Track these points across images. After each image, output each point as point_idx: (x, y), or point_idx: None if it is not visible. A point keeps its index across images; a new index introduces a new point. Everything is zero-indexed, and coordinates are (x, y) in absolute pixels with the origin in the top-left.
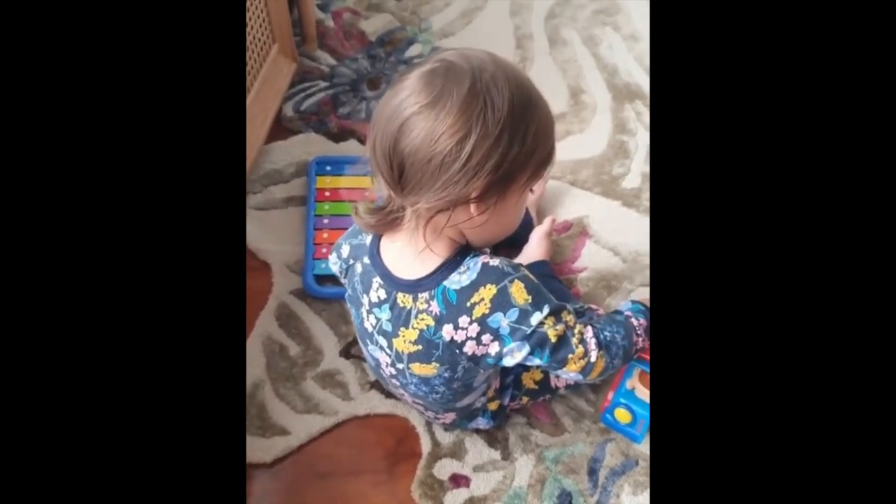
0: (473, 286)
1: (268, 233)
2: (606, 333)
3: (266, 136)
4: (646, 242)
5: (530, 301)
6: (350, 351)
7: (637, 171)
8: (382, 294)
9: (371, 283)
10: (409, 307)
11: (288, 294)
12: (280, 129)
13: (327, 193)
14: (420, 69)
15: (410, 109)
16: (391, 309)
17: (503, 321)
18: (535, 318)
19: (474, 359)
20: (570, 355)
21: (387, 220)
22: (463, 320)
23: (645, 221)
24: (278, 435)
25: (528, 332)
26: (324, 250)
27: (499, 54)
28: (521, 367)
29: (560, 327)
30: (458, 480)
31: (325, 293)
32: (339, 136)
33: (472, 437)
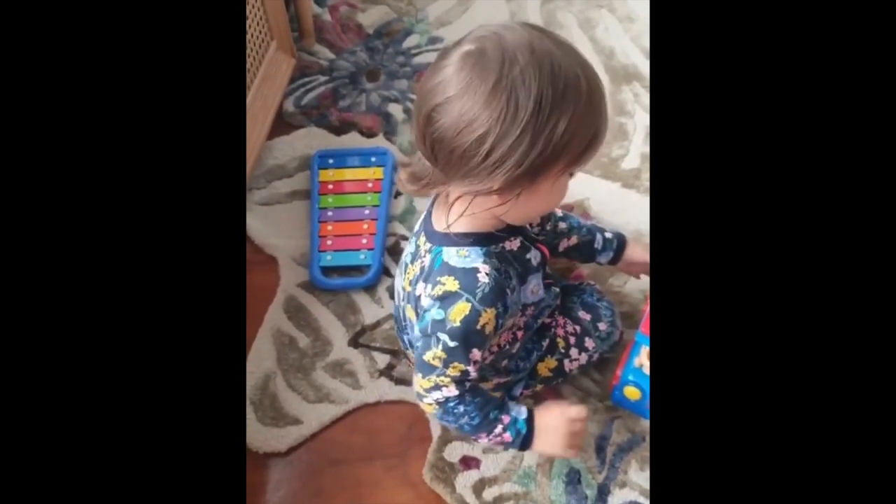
0: (451, 270)
1: (273, 227)
2: (461, 408)
3: (268, 131)
4: (647, 222)
5: (455, 326)
6: (358, 340)
7: (636, 152)
8: (417, 227)
9: (422, 215)
10: (420, 248)
11: (295, 287)
12: (282, 125)
13: (330, 186)
14: (459, 49)
15: (439, 98)
16: (415, 243)
17: (433, 311)
18: (440, 337)
19: None
20: (421, 377)
21: (425, 188)
22: (428, 289)
23: (646, 201)
24: (291, 424)
25: (427, 335)
26: (329, 242)
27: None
28: (538, 359)
29: (436, 362)
30: (469, 462)
31: (332, 285)
32: (340, 129)
33: None
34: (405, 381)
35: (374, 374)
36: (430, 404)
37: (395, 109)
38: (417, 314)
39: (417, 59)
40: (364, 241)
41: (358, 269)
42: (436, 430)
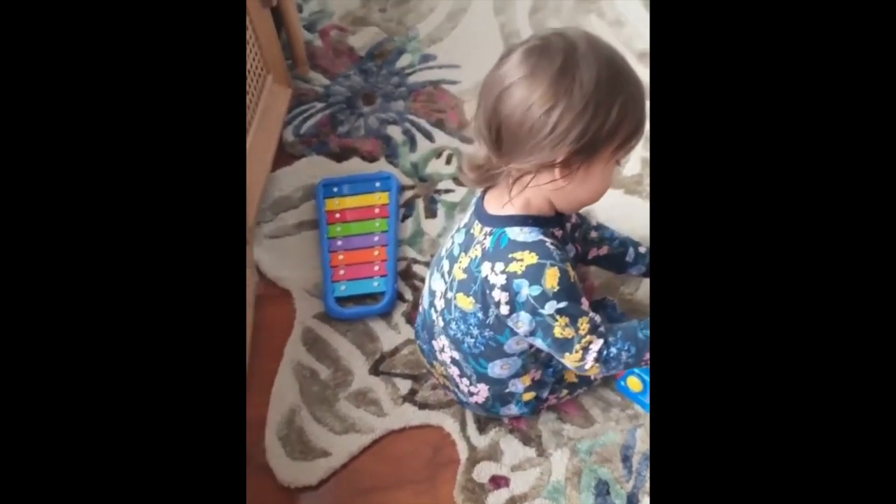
0: (524, 246)
1: (284, 260)
2: (613, 350)
3: (271, 164)
4: None
5: (556, 290)
6: (379, 368)
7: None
8: (466, 220)
9: (466, 214)
10: (476, 235)
11: (311, 318)
12: (283, 156)
13: (338, 215)
14: (522, 46)
15: (510, 80)
16: (466, 233)
17: (524, 290)
18: (550, 306)
19: (499, 307)
20: (568, 354)
21: (485, 176)
22: (498, 266)
23: (648, 206)
24: (320, 457)
25: (540, 313)
26: (341, 272)
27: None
28: (561, 364)
29: (569, 331)
30: (498, 481)
31: (347, 314)
32: (341, 156)
33: (506, 438)
34: (429, 406)
35: (398, 401)
36: (593, 367)
37: (394, 132)
38: (485, 296)
39: (412, 79)
40: (376, 267)
41: (372, 297)
42: (463, 452)
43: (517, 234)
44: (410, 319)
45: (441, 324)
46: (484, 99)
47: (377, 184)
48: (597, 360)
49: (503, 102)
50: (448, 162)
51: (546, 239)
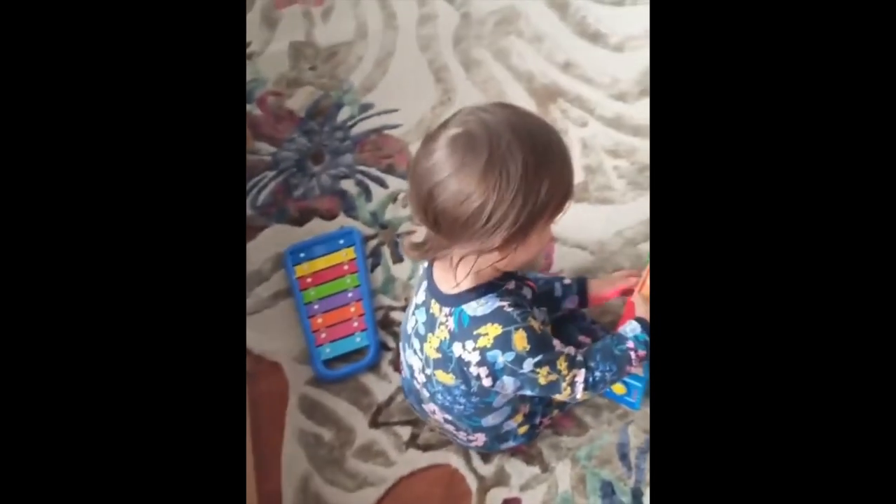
0: (484, 320)
1: (267, 333)
2: (597, 374)
3: None
4: (605, 230)
5: (528, 349)
6: (378, 420)
7: (578, 166)
8: (422, 298)
9: (421, 285)
10: (436, 315)
11: (305, 385)
12: (247, 230)
13: (309, 280)
14: (446, 133)
15: (441, 175)
16: (427, 312)
17: (500, 358)
18: (528, 364)
19: (481, 380)
20: (558, 395)
21: (428, 253)
22: (469, 344)
23: (599, 210)
24: None
25: (521, 373)
26: (323, 335)
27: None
28: None
29: (552, 375)
30: (511, 503)
31: (338, 375)
32: (301, 220)
33: (510, 462)
34: (432, 446)
35: (402, 448)
36: (583, 395)
37: (349, 185)
38: (464, 372)
39: (355, 130)
40: (355, 323)
41: (358, 352)
42: (473, 483)
43: (475, 308)
44: (398, 366)
45: (427, 394)
46: (416, 188)
47: (341, 241)
48: (585, 388)
49: (437, 197)
50: (405, 205)
51: (503, 303)
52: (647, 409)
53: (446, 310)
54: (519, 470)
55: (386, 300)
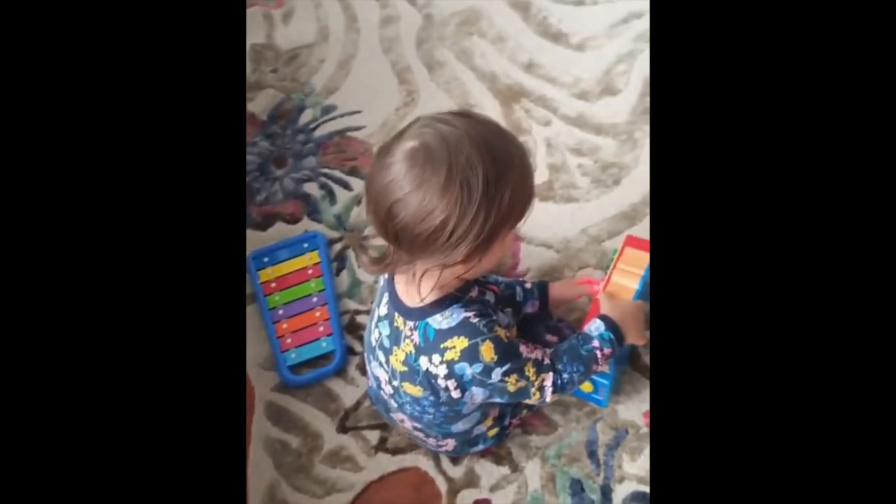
0: (450, 332)
1: None
2: (566, 376)
3: None
4: (571, 228)
5: (496, 359)
6: (346, 425)
7: (542, 165)
8: (385, 311)
9: (382, 297)
10: (401, 329)
11: (271, 392)
12: None
13: (273, 284)
14: (402, 146)
15: (400, 192)
16: (390, 325)
17: (468, 370)
18: (496, 374)
19: (449, 392)
20: (527, 400)
21: (388, 267)
22: (435, 358)
23: (563, 208)
24: None
25: (489, 383)
26: (288, 341)
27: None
28: None
29: (521, 382)
30: None
31: (304, 380)
32: (264, 224)
33: (480, 463)
34: (401, 450)
35: (371, 452)
36: (552, 398)
37: (312, 188)
38: (432, 384)
39: (318, 133)
40: (321, 328)
41: (324, 357)
42: (442, 486)
43: (440, 321)
44: (365, 370)
45: (395, 404)
46: (374, 205)
47: (305, 245)
48: (554, 391)
49: (398, 215)
50: None
51: (468, 314)
52: (615, 406)
53: (411, 323)
54: (489, 471)
55: (352, 304)
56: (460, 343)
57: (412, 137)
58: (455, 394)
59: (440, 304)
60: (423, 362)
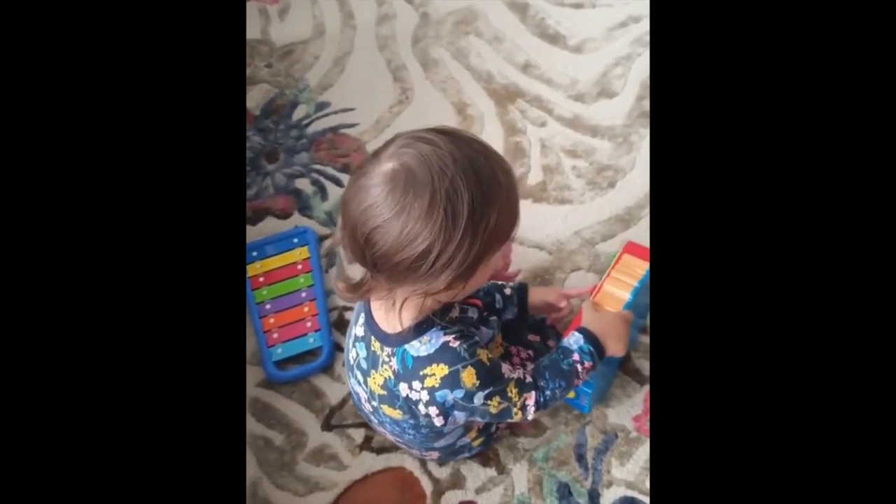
0: (429, 360)
1: None
2: (548, 393)
3: None
4: (564, 230)
5: (477, 384)
6: (330, 423)
7: (536, 166)
8: (361, 332)
9: (359, 318)
10: (378, 353)
11: (255, 387)
12: None
13: (261, 279)
14: (380, 168)
15: (376, 221)
16: (367, 349)
17: (449, 396)
18: (478, 398)
19: (430, 418)
20: (510, 419)
21: (364, 293)
22: (416, 385)
23: (557, 210)
24: None
25: (471, 407)
26: (275, 336)
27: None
28: None
29: (504, 403)
30: None
31: (289, 376)
32: (255, 219)
33: (466, 464)
34: (386, 449)
35: (355, 451)
36: (535, 415)
37: (303, 184)
38: (412, 410)
39: (311, 129)
40: (309, 324)
41: (311, 353)
42: (428, 487)
43: (418, 348)
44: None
45: (376, 421)
46: (351, 230)
47: (295, 240)
48: (536, 409)
49: (377, 242)
50: None
51: (448, 337)
52: (604, 410)
53: (388, 349)
54: (475, 472)
55: (340, 301)
56: (440, 371)
57: (391, 158)
58: (438, 421)
59: (418, 329)
60: (403, 389)
